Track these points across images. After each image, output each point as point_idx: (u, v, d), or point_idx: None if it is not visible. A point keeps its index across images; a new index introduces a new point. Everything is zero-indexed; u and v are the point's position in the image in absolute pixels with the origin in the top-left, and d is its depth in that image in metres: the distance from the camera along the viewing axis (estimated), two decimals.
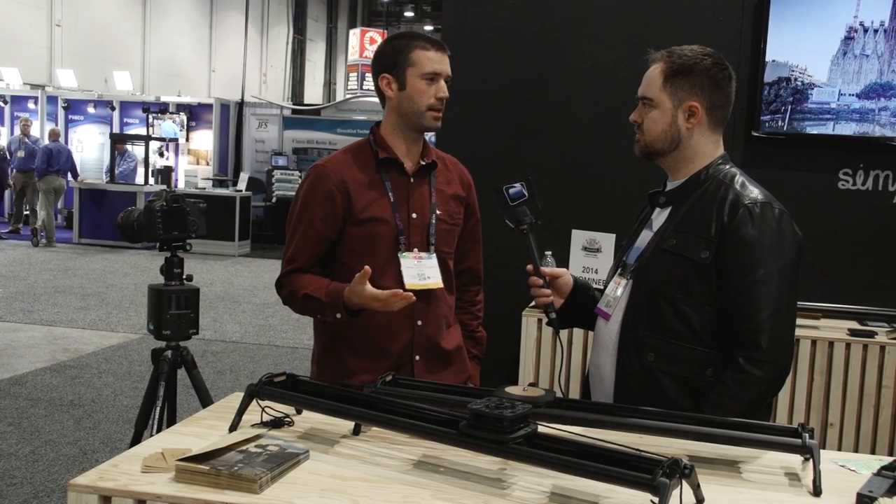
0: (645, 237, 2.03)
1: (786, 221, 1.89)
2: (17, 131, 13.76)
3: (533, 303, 3.64)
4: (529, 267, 2.05)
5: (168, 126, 15.52)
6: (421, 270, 2.27)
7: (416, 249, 2.28)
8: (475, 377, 2.49)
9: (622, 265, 2.05)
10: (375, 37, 24.16)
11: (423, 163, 2.34)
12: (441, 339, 2.35)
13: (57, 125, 14.76)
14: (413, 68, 2.24)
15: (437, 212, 2.33)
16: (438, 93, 2.24)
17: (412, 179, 2.32)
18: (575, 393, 3.35)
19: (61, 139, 13.59)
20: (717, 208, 1.90)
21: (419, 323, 2.29)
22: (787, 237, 1.89)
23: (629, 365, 1.95)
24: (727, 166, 1.99)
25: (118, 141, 13.82)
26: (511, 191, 2.03)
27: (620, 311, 1.99)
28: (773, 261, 1.85)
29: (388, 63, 2.28)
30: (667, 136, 1.96)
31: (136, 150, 14.27)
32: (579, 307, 2.12)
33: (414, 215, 2.30)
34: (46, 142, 13.06)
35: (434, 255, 2.30)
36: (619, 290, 2.00)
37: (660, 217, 2.03)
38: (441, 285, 2.30)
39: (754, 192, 1.92)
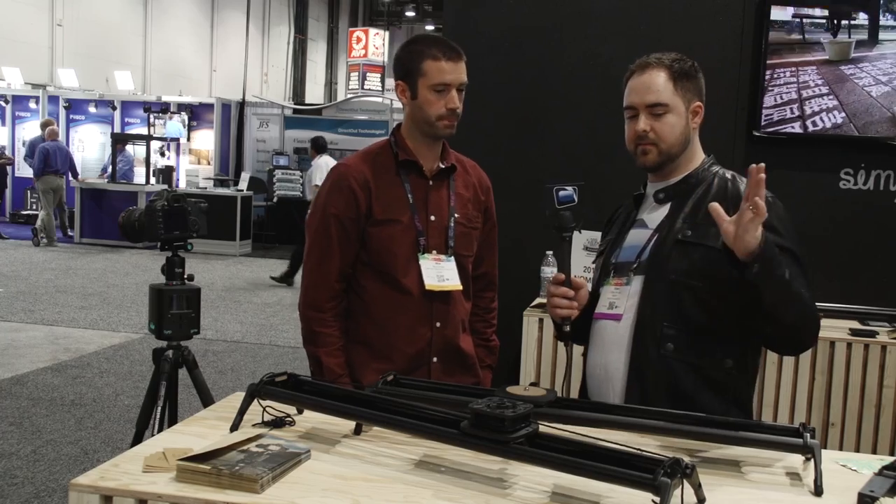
0: (641, 235, 2.03)
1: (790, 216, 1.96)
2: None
3: (535, 302, 3.65)
4: (560, 276, 1.96)
5: (174, 126, 15.53)
6: (440, 272, 2.28)
7: (434, 251, 2.29)
8: (486, 385, 2.47)
9: (614, 266, 2.04)
10: (361, 35, 24.34)
11: (443, 166, 2.35)
12: (459, 341, 2.36)
13: (58, 125, 14.77)
14: (423, 79, 2.23)
15: (456, 215, 2.33)
16: (448, 104, 2.23)
17: (431, 182, 2.33)
18: (576, 393, 3.35)
19: (62, 139, 13.60)
20: (732, 202, 1.88)
21: (438, 325, 2.30)
22: (794, 228, 1.94)
23: (645, 358, 1.93)
24: (718, 166, 2.05)
25: (119, 141, 13.82)
26: (561, 193, 1.92)
27: (633, 308, 1.96)
28: (793, 243, 1.89)
29: (403, 71, 2.28)
30: (682, 138, 1.99)
31: (138, 149, 14.28)
32: (585, 321, 2.08)
33: (433, 217, 2.30)
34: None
35: (452, 257, 2.31)
36: (625, 290, 1.99)
37: (654, 214, 2.03)
38: (460, 287, 2.31)
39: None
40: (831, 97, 3.68)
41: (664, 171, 2.03)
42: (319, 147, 10.42)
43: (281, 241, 14.07)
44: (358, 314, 2.33)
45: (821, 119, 3.71)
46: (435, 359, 2.31)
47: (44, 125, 13.44)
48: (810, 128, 3.71)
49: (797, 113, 3.73)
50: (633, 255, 2.01)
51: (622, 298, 1.99)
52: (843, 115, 3.67)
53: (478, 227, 2.42)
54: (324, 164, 9.79)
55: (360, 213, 2.27)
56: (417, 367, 2.28)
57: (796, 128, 3.72)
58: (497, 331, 2.59)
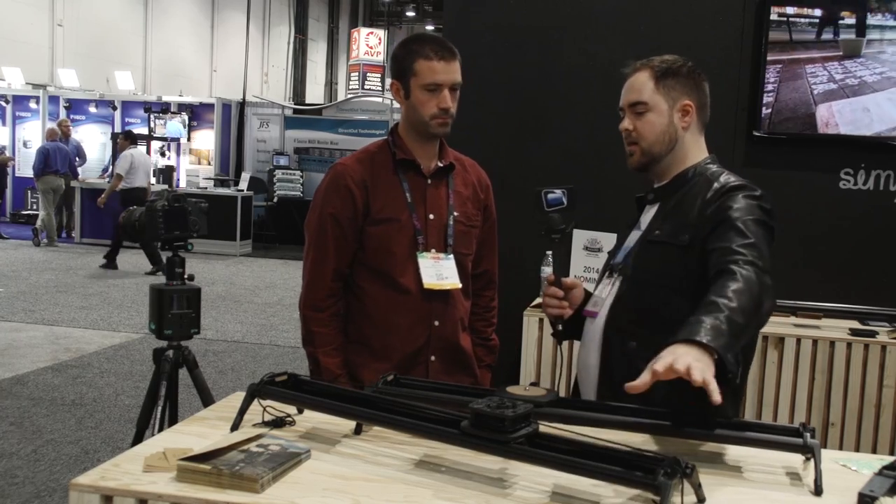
0: (633, 237, 2.06)
1: (765, 201, 1.87)
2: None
3: (535, 302, 3.66)
4: (551, 276, 2.00)
5: (174, 125, 15.54)
6: (439, 270, 2.28)
7: (433, 250, 2.29)
8: (485, 384, 2.48)
9: (610, 266, 2.08)
10: (356, 36, 24.50)
11: (441, 165, 2.35)
12: (459, 339, 2.36)
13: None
14: (415, 78, 2.23)
15: (455, 213, 2.33)
16: (441, 103, 2.23)
17: (429, 181, 2.33)
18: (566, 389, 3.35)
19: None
20: (702, 197, 1.92)
21: (436, 323, 2.30)
22: (763, 213, 1.86)
23: (613, 355, 1.97)
24: (715, 166, 2.02)
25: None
26: (549, 196, 1.93)
27: (607, 306, 2.00)
28: (750, 216, 1.82)
29: (397, 70, 2.29)
30: (665, 136, 1.99)
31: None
32: (582, 320, 2.11)
33: (431, 216, 2.30)
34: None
35: (451, 256, 2.31)
36: (607, 289, 2.02)
37: (647, 215, 2.06)
38: (459, 285, 2.31)
39: (734, 177, 1.94)
40: (772, 94, 3.69)
41: (655, 172, 2.04)
42: (130, 138, 11.28)
43: (281, 242, 14.07)
44: (356, 316, 2.33)
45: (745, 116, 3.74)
46: (433, 357, 2.31)
47: (60, 124, 13.54)
48: None
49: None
50: (623, 256, 2.05)
51: (602, 298, 2.03)
52: (768, 111, 3.69)
53: (477, 226, 2.42)
54: (129, 155, 10.80)
55: (358, 212, 2.27)
56: (415, 365, 2.29)
57: None
58: (497, 331, 2.60)
